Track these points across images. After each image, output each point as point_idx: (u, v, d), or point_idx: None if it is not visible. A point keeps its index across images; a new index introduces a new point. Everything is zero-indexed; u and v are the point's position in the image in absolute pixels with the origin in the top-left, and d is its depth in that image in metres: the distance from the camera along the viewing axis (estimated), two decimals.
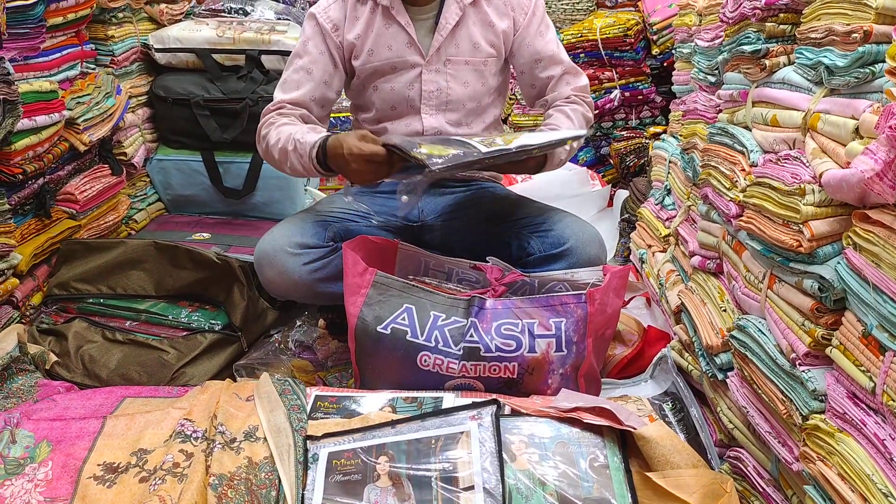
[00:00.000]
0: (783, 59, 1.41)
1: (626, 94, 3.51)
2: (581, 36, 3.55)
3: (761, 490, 1.37)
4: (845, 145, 1.09)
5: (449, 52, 1.85)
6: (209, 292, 1.98)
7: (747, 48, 1.49)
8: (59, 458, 1.31)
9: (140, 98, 2.64)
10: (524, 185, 3.06)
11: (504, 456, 1.24)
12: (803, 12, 1.31)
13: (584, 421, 1.29)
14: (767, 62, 1.43)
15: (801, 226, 1.15)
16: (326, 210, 1.90)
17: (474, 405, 1.33)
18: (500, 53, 1.90)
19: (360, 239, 1.68)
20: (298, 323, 2.02)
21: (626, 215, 2.85)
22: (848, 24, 1.14)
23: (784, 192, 1.21)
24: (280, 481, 1.22)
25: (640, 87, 3.51)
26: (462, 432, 1.26)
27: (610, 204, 3.35)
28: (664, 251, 2.19)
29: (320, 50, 1.86)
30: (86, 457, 1.31)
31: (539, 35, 1.91)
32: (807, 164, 1.20)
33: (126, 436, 1.35)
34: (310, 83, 1.85)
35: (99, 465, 1.29)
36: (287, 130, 1.76)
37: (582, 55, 3.59)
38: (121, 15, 2.50)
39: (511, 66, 2.00)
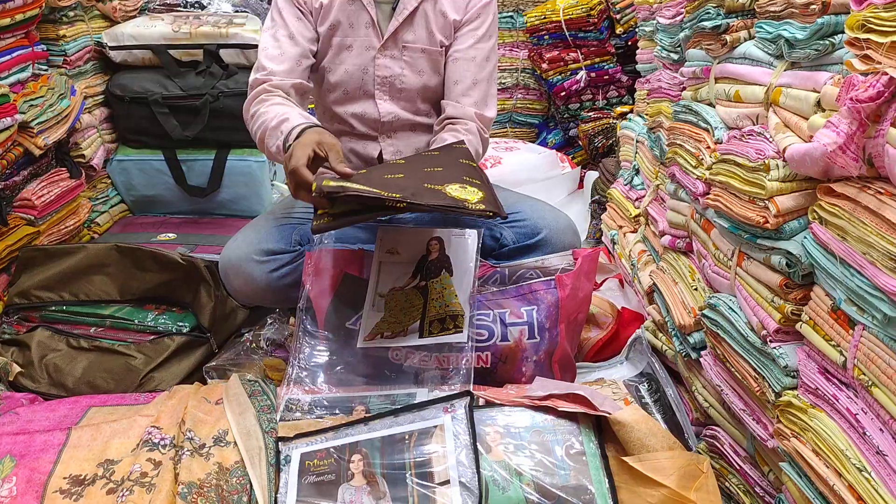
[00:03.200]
0: (743, 33, 1.39)
1: (592, 74, 3.50)
2: (544, 17, 3.53)
3: (738, 468, 1.37)
4: (807, 119, 1.08)
5: (406, 38, 1.81)
6: (175, 294, 1.94)
7: (707, 24, 1.47)
8: (23, 473, 1.27)
9: (96, 98, 2.57)
10: (493, 171, 3.04)
11: (479, 448, 1.23)
12: None
13: (559, 409, 1.28)
14: (728, 37, 1.41)
15: (766, 202, 1.14)
16: (291, 210, 1.86)
17: (447, 398, 1.31)
18: (450, 43, 1.85)
19: (322, 253, 1.65)
20: (269, 321, 1.99)
21: (597, 196, 2.84)
22: None
23: (749, 168, 1.20)
24: (252, 486, 1.19)
25: (605, 67, 3.49)
26: (436, 426, 1.25)
27: (581, 186, 3.35)
28: (635, 231, 2.19)
29: (296, 15, 1.80)
30: (51, 470, 1.27)
31: (475, 37, 1.83)
32: (770, 140, 1.19)
33: (92, 447, 1.32)
34: (292, 49, 1.78)
35: (65, 478, 1.26)
36: (276, 109, 1.65)
37: (546, 37, 3.57)
38: (72, 14, 2.43)
39: None
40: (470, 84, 1.83)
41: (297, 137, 1.51)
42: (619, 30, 3.41)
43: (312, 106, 2.06)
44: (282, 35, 1.80)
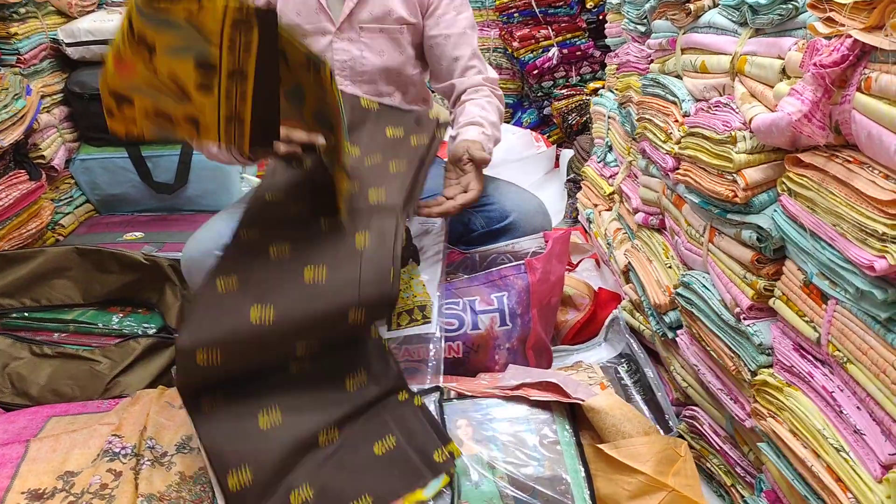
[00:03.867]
0: (707, 1, 1.35)
1: (564, 51, 3.45)
2: None
3: (718, 448, 1.34)
4: (773, 87, 1.04)
5: (361, 18, 1.75)
6: (140, 295, 1.88)
7: None
8: None
9: (55, 97, 2.50)
10: None
11: None
12: None
13: (531, 399, 1.24)
14: (692, 6, 1.37)
15: (735, 175, 1.10)
16: None
17: (418, 393, 1.27)
18: (417, 21, 1.80)
19: None
20: None
21: (572, 175, 2.80)
22: None
23: (716, 140, 1.16)
24: (214, 494, 1.15)
25: (577, 43, 3.44)
26: None
27: (557, 165, 3.30)
28: (610, 210, 2.15)
29: None
30: (8, 485, 1.22)
31: (453, 9, 1.81)
32: (737, 111, 1.15)
33: (51, 459, 1.27)
34: None
35: (23, 492, 1.21)
36: None
37: (516, 15, 3.51)
38: (23, 10, 2.35)
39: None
40: (470, 55, 1.83)
41: None
42: (589, 4, 3.36)
43: None
44: None
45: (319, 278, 1.21)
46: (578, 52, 3.45)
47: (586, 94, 3.31)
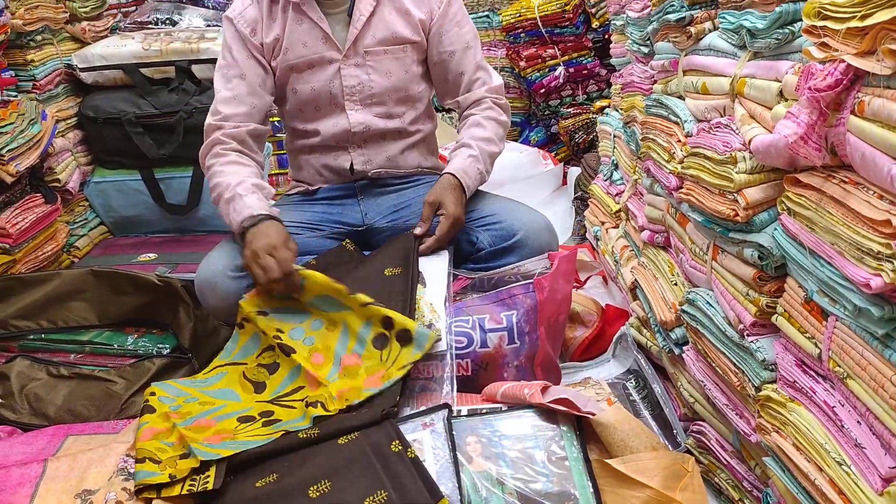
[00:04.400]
0: (708, 24, 1.38)
1: (571, 69, 3.49)
2: (520, 15, 3.52)
3: (725, 462, 1.35)
4: (771, 109, 1.06)
5: (366, 43, 1.79)
6: (155, 316, 1.92)
7: (672, 17, 1.46)
8: None
9: (69, 121, 2.55)
10: None
11: (460, 459, 1.21)
12: None
13: (543, 408, 1.26)
14: (693, 29, 1.40)
15: (735, 194, 1.12)
16: None
17: (426, 412, 1.29)
18: (420, 39, 1.84)
19: None
20: None
21: (580, 193, 2.83)
22: None
23: (717, 161, 1.18)
24: None
25: (583, 62, 3.49)
26: (414, 441, 1.22)
27: (564, 182, 3.33)
28: (617, 227, 2.17)
29: (247, 54, 1.80)
30: None
31: (455, 25, 1.85)
32: (737, 131, 1.17)
33: (69, 477, 1.29)
34: (246, 90, 1.81)
35: None
36: (230, 179, 1.71)
37: (522, 35, 3.55)
38: (39, 38, 2.41)
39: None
40: (474, 68, 1.88)
41: (253, 224, 1.61)
42: (595, 24, 3.41)
43: (277, 119, 2.05)
44: (233, 75, 1.81)
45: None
46: (585, 71, 3.49)
47: (593, 113, 3.34)
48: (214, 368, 1.59)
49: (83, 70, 2.55)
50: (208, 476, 1.21)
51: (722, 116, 1.29)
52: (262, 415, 1.38)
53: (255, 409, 1.41)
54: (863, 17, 0.81)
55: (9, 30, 2.16)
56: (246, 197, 1.67)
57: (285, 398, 1.44)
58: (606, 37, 3.36)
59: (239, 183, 1.70)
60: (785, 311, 1.06)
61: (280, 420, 1.36)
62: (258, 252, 1.54)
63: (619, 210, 2.13)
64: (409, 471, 1.16)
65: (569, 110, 3.52)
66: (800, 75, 0.94)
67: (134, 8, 3.04)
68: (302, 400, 1.40)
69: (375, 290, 1.49)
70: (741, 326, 1.16)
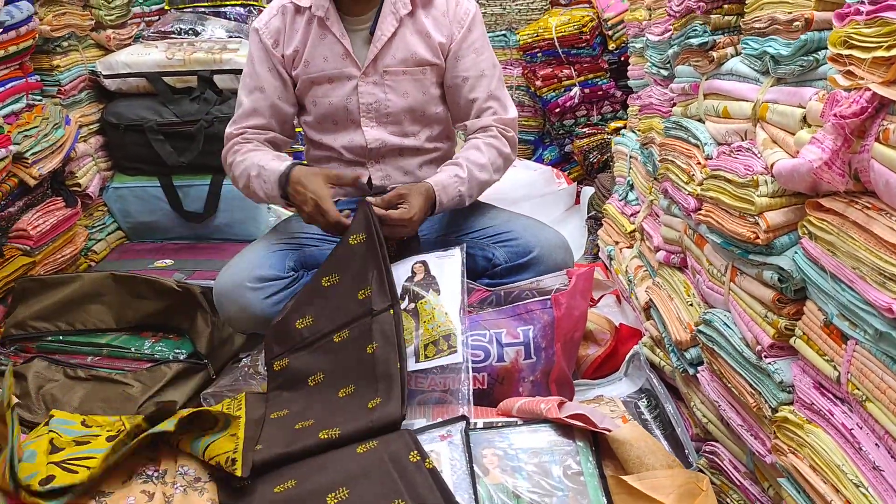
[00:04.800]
0: (730, 50, 1.40)
1: (586, 90, 3.52)
2: (537, 35, 3.55)
3: (738, 484, 1.36)
4: (794, 134, 1.08)
5: (385, 62, 1.81)
6: (172, 321, 1.94)
7: (695, 41, 1.48)
8: None
9: (91, 126, 2.59)
10: (489, 189, 3.04)
11: (476, 471, 1.22)
12: (746, 2, 1.31)
13: (560, 423, 1.28)
14: (715, 54, 1.42)
15: (756, 217, 1.14)
16: (286, 235, 1.86)
17: (443, 424, 1.31)
18: (439, 62, 1.84)
19: None
20: None
21: (593, 212, 2.85)
22: (790, 13, 1.14)
23: (738, 184, 1.20)
24: None
25: (599, 83, 3.51)
26: (432, 452, 1.23)
27: (577, 202, 3.35)
28: (631, 247, 2.19)
29: (268, 67, 1.83)
30: None
31: (473, 52, 1.84)
32: (759, 155, 1.19)
33: None
34: (266, 103, 1.84)
35: None
36: (252, 157, 1.78)
37: (539, 54, 3.58)
38: (65, 44, 2.45)
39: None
40: (486, 97, 1.85)
41: (287, 179, 1.70)
42: (611, 46, 3.43)
43: (300, 129, 2.07)
44: (254, 87, 1.86)
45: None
46: (600, 92, 3.52)
47: (607, 133, 3.36)
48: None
49: (107, 77, 2.59)
50: (236, 463, 1.22)
51: (743, 140, 1.30)
52: (40, 483, 1.25)
53: (38, 476, 1.26)
54: (889, 48, 0.83)
55: (36, 35, 2.20)
56: (271, 162, 1.75)
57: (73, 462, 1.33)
58: (622, 59, 3.39)
59: (261, 159, 1.77)
60: (804, 333, 1.08)
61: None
62: (311, 211, 1.65)
63: (634, 230, 2.15)
64: (427, 481, 1.16)
65: (584, 130, 3.54)
66: (825, 102, 0.96)
67: (157, 17, 3.08)
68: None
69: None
70: (759, 348, 1.17)
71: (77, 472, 1.24)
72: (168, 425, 1.29)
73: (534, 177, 3.30)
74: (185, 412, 1.32)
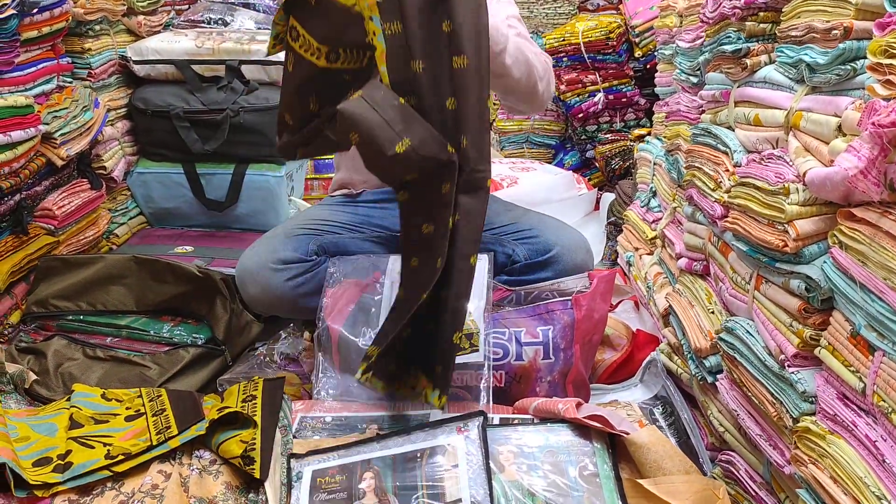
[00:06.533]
0: (764, 57, 1.39)
1: (610, 96, 3.51)
2: (563, 40, 3.55)
3: (753, 494, 1.35)
4: (828, 143, 1.07)
5: None
6: (191, 306, 1.95)
7: (728, 48, 1.48)
8: None
9: (119, 111, 2.60)
10: (509, 191, 3.04)
11: (492, 467, 1.22)
12: (783, 10, 1.30)
13: (578, 424, 1.27)
14: (748, 61, 1.41)
15: (786, 225, 1.13)
16: (310, 222, 1.87)
17: (461, 417, 1.31)
18: None
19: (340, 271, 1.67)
20: (283, 335, 1.98)
21: (613, 218, 2.84)
22: (828, 21, 1.13)
23: (768, 191, 1.19)
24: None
25: (623, 90, 3.51)
26: (448, 445, 1.24)
27: (597, 207, 3.34)
28: (651, 254, 2.18)
29: None
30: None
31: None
32: (790, 163, 1.18)
33: None
34: None
35: (73, 489, 1.25)
36: None
37: (565, 59, 3.58)
38: (97, 28, 2.46)
39: None
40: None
41: None
42: (637, 53, 3.43)
43: None
44: None
45: None
46: (624, 99, 3.51)
47: (630, 140, 3.36)
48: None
49: (136, 62, 2.61)
50: (254, 463, 1.22)
51: (774, 148, 1.30)
52: (59, 457, 1.29)
53: (57, 450, 1.30)
54: None
55: (70, 17, 2.21)
56: None
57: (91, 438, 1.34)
58: (648, 66, 3.39)
59: None
60: (829, 343, 1.07)
61: (72, 463, 1.26)
62: None
63: (655, 237, 2.14)
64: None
65: (606, 136, 3.54)
66: (862, 111, 0.96)
67: (188, 6, 3.11)
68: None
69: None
70: (782, 357, 1.17)
71: (94, 448, 1.25)
72: (199, 429, 1.30)
73: (555, 181, 3.30)
74: (215, 414, 1.33)
